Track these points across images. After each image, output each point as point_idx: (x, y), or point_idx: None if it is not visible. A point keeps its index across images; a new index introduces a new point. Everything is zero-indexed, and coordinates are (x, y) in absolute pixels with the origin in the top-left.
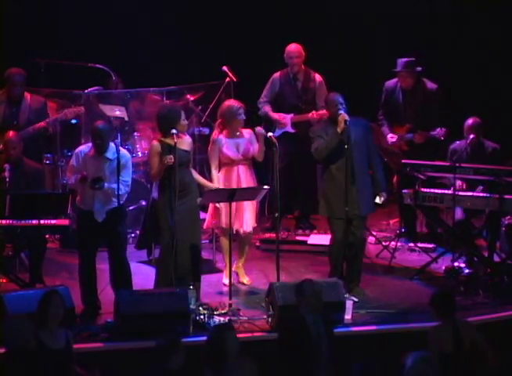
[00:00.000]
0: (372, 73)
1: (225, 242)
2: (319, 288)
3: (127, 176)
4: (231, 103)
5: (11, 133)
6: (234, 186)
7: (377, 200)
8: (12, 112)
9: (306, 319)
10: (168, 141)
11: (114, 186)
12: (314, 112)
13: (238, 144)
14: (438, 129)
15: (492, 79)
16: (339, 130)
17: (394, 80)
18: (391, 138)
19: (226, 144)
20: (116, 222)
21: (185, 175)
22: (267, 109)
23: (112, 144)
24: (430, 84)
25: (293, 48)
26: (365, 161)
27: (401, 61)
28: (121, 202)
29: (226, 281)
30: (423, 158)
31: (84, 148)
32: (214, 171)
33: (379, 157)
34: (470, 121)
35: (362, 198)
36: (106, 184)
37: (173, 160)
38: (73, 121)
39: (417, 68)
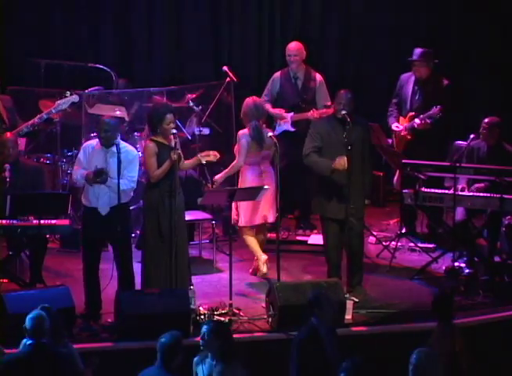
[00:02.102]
0: (372, 73)
1: (251, 238)
2: (334, 300)
3: (133, 172)
4: (252, 99)
5: (8, 134)
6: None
7: None
8: None
9: (319, 331)
10: (159, 139)
11: (119, 181)
12: (314, 110)
13: None
14: (434, 108)
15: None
16: (333, 166)
17: (410, 73)
18: (396, 127)
19: None
20: (119, 220)
21: (177, 176)
22: (267, 107)
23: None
24: (444, 80)
25: (292, 46)
26: (360, 161)
27: (417, 50)
28: (127, 199)
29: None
30: (425, 149)
31: (92, 142)
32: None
33: (371, 161)
34: (484, 121)
35: (353, 197)
36: (109, 178)
37: (179, 155)
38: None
39: (434, 60)
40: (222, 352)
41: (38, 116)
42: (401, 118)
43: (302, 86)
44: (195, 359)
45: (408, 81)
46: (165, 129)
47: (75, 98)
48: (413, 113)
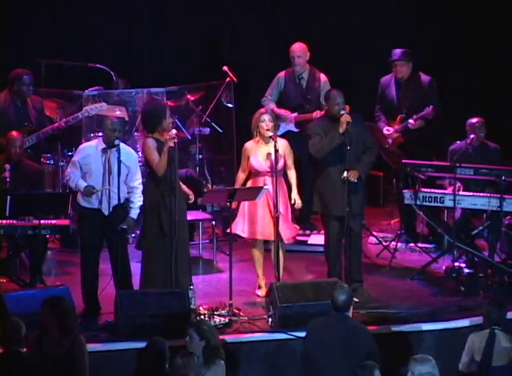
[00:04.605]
0: (371, 71)
1: (257, 253)
2: None
3: (138, 174)
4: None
5: (14, 133)
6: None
7: (345, 174)
8: (21, 113)
9: None
10: (156, 136)
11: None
12: (317, 111)
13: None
14: (426, 108)
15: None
16: (341, 130)
17: (390, 75)
18: (387, 130)
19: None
20: (119, 221)
21: (177, 174)
22: (272, 106)
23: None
24: (424, 77)
25: (296, 47)
26: (358, 158)
27: (397, 51)
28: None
29: (260, 293)
30: (420, 149)
31: (91, 144)
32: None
33: (376, 148)
34: (473, 121)
35: (353, 195)
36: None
37: (176, 139)
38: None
39: (413, 59)
40: (206, 352)
41: (64, 120)
42: (390, 121)
43: (306, 86)
44: (177, 359)
45: (389, 84)
46: (167, 124)
47: (103, 105)
48: (403, 116)
